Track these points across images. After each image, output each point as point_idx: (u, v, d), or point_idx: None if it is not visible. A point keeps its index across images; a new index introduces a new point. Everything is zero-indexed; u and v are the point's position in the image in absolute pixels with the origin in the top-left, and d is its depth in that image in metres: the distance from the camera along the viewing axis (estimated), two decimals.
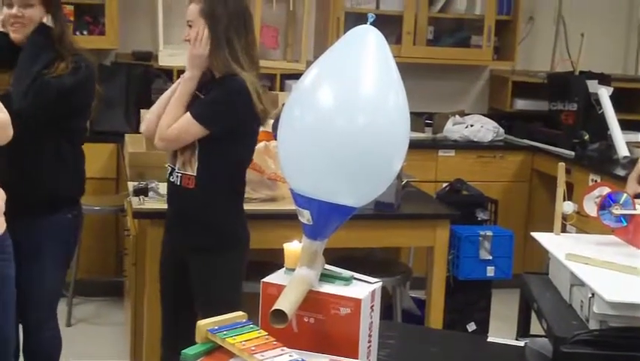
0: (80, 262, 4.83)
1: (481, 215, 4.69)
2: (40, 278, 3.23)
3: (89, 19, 5.50)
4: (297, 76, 5.50)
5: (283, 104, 2.08)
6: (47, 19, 3.14)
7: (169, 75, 5.45)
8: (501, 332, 3.10)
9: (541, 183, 5.93)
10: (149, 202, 3.65)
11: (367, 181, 1.97)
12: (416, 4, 5.98)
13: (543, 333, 2.51)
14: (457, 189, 4.84)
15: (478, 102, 6.61)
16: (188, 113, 3.10)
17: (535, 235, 2.89)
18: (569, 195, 2.94)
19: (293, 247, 2.07)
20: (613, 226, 2.76)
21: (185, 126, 3.09)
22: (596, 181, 4.93)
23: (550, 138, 5.92)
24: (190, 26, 3.12)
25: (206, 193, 3.13)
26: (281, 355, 1.80)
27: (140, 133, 3.62)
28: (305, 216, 1.97)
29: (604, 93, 5.63)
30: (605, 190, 2.77)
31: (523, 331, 2.88)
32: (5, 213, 2.86)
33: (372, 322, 1.99)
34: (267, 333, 1.88)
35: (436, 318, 4.05)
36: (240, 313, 1.97)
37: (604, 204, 2.73)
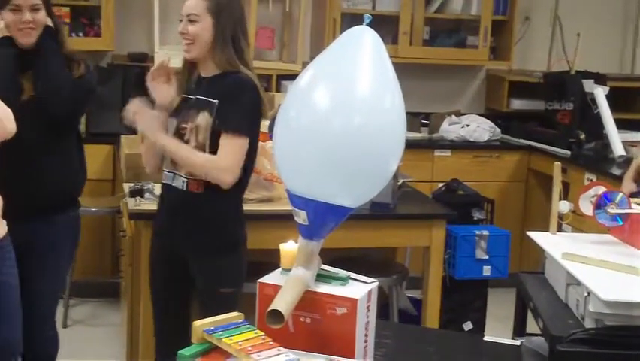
0: (76, 264, 4.81)
1: (478, 215, 4.70)
2: (50, 277, 3.27)
3: (84, 20, 5.50)
4: (293, 77, 5.48)
5: (279, 105, 2.08)
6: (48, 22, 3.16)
7: None
8: (497, 332, 3.11)
9: (537, 183, 5.93)
10: (145, 203, 3.65)
11: (363, 181, 1.97)
12: (412, 4, 5.98)
13: (539, 332, 2.51)
14: (454, 188, 4.84)
15: (475, 102, 6.61)
16: (226, 135, 3.04)
17: (532, 234, 2.90)
18: (565, 195, 2.94)
19: (289, 248, 2.08)
20: (609, 225, 2.77)
21: (235, 147, 3.06)
22: (591, 180, 4.94)
23: (546, 137, 5.92)
24: (191, 21, 3.06)
25: (214, 197, 3.10)
26: (277, 355, 1.81)
27: (136, 134, 3.61)
28: (301, 217, 1.97)
29: (600, 93, 5.64)
30: (601, 189, 2.77)
31: (519, 330, 2.89)
32: (4, 217, 2.88)
33: (368, 321, 2.00)
34: (263, 333, 1.89)
35: (432, 318, 4.05)
36: (237, 313, 1.98)
37: (600, 204, 2.74)
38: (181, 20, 3.11)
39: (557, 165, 2.94)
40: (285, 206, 2.16)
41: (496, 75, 6.44)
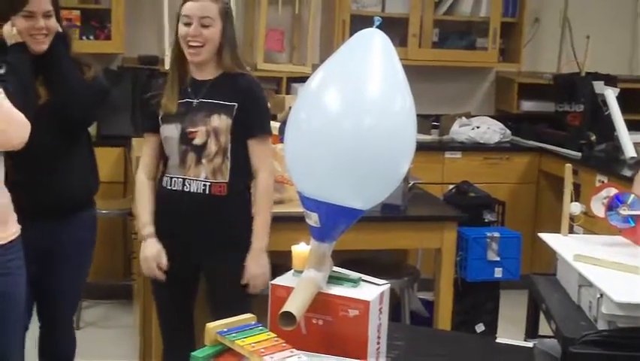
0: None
1: (489, 217, 4.69)
2: (74, 277, 3.31)
3: (95, 23, 5.51)
4: (303, 79, 5.50)
5: (290, 108, 2.08)
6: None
7: None
8: (509, 333, 3.11)
9: (548, 185, 5.92)
10: None
11: (374, 184, 1.97)
12: (422, 6, 5.98)
13: (552, 334, 2.51)
14: (464, 190, 4.83)
15: (485, 104, 6.61)
16: (260, 140, 3.15)
17: (543, 236, 2.89)
18: (576, 196, 2.94)
19: (301, 250, 2.08)
20: (620, 227, 2.76)
21: (269, 149, 3.22)
22: (603, 182, 4.93)
23: (556, 139, 5.91)
24: (203, 25, 3.04)
25: (236, 198, 3.13)
26: (290, 356, 1.81)
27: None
28: (312, 219, 1.98)
29: (610, 94, 5.63)
30: (613, 191, 2.77)
31: (531, 332, 2.89)
32: (22, 220, 2.91)
33: (380, 323, 2.00)
34: (276, 335, 1.89)
35: (444, 319, 4.05)
36: (249, 315, 1.98)
37: (611, 205, 2.74)
38: (187, 23, 3.06)
39: (568, 166, 2.94)
40: (296, 208, 2.16)
41: (506, 77, 6.43)
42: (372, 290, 2.00)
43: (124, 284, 5.14)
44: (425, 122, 5.90)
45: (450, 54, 6.17)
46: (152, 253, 3.14)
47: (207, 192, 3.09)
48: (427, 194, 4.43)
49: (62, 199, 3.15)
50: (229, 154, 3.10)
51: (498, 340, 2.53)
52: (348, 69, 1.96)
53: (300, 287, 1.94)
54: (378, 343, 1.99)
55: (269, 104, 3.36)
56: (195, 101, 3.12)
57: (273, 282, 2.03)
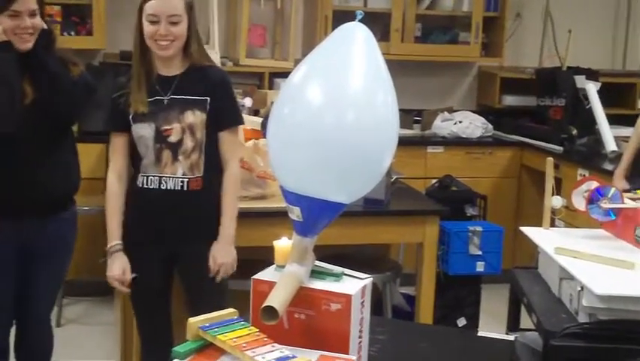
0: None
1: (471, 211, 4.70)
2: (55, 274, 3.31)
3: (76, 19, 5.48)
4: (285, 74, 5.48)
5: (272, 103, 2.08)
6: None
7: None
8: (491, 327, 3.12)
9: (529, 179, 5.95)
10: None
11: (357, 178, 1.97)
12: (404, 1, 5.99)
13: (533, 327, 2.51)
14: (446, 185, 4.85)
15: (467, 98, 6.63)
16: (231, 131, 3.18)
17: (525, 229, 2.90)
18: (558, 190, 2.95)
19: (283, 244, 2.08)
20: (601, 220, 2.77)
21: (238, 139, 3.27)
22: (584, 176, 4.95)
23: (538, 133, 5.94)
24: (172, 23, 3.02)
25: (211, 191, 3.14)
26: (272, 351, 1.81)
27: None
28: (295, 213, 1.98)
29: (592, 88, 5.66)
30: (594, 184, 2.78)
31: (513, 325, 2.89)
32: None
33: (362, 317, 2.00)
34: (258, 330, 1.89)
35: (426, 314, 4.06)
36: (231, 310, 1.98)
37: (592, 199, 2.74)
38: (154, 22, 3.04)
39: (550, 160, 2.94)
40: (278, 203, 2.17)
41: (488, 71, 6.45)
42: (354, 284, 2.00)
43: (104, 281, 5.09)
44: (407, 116, 5.91)
45: (432, 49, 6.18)
46: (117, 272, 3.18)
47: (185, 188, 3.10)
48: (410, 188, 4.44)
49: (43, 197, 3.14)
50: (204, 150, 3.09)
51: (480, 333, 2.54)
52: (331, 63, 1.96)
53: (282, 282, 1.94)
54: (360, 337, 1.99)
55: (252, 100, 3.37)
56: (166, 98, 3.11)
57: (254, 277, 2.03)
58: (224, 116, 3.13)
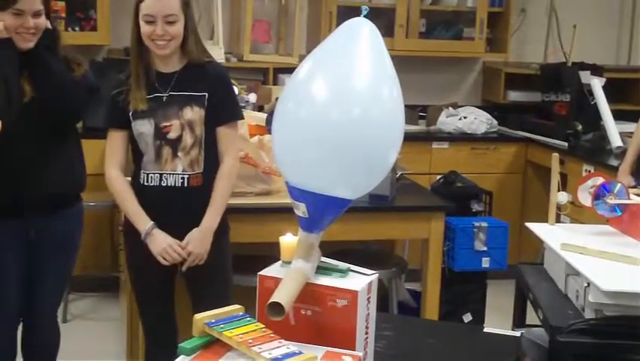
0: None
1: (476, 206, 4.70)
2: (60, 271, 3.30)
3: (80, 15, 5.49)
4: (289, 70, 5.49)
5: (277, 98, 2.08)
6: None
7: None
8: (497, 323, 3.11)
9: (535, 174, 5.94)
10: None
11: (362, 173, 1.97)
12: None
13: (539, 323, 2.51)
14: (452, 181, 4.84)
15: (472, 94, 6.62)
16: (229, 125, 3.16)
17: (530, 225, 2.90)
18: (563, 186, 2.94)
19: (288, 240, 2.08)
20: (607, 216, 2.77)
21: (237, 134, 3.23)
22: (589, 171, 4.95)
23: (543, 129, 5.93)
24: (168, 22, 3.01)
25: (211, 187, 3.14)
26: (278, 347, 1.81)
27: None
28: (300, 209, 1.97)
29: (596, 84, 5.65)
30: (599, 180, 2.77)
31: (519, 321, 2.89)
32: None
33: (368, 313, 2.00)
34: (264, 326, 1.89)
35: (431, 309, 4.06)
36: (237, 306, 1.98)
37: (598, 194, 2.74)
38: (151, 22, 3.02)
39: (555, 156, 2.94)
40: (284, 199, 2.16)
41: (493, 67, 6.44)
42: (360, 280, 1.99)
43: (111, 276, 5.13)
44: (412, 112, 5.91)
45: (437, 44, 6.18)
46: (169, 241, 3.11)
47: (185, 184, 3.10)
48: (415, 184, 4.44)
49: (46, 195, 3.14)
50: (203, 145, 3.10)
51: (485, 329, 2.54)
52: (336, 59, 1.95)
53: (288, 278, 1.94)
54: (366, 333, 1.99)
55: (256, 95, 3.37)
56: (165, 95, 3.10)
57: (261, 273, 2.03)
58: (222, 112, 3.13)
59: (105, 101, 3.22)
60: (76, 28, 5.44)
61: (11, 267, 3.12)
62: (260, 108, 4.71)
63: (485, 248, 4.44)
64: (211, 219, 3.13)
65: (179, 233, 3.13)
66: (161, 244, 3.09)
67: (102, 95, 3.28)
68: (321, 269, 2.03)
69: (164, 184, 3.11)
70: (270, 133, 2.45)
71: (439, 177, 5.04)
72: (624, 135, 5.47)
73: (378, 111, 1.91)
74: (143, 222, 3.11)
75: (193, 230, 3.11)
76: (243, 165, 3.44)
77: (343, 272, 2.03)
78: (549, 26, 6.50)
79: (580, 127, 5.69)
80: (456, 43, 6.24)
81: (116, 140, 3.19)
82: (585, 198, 2.80)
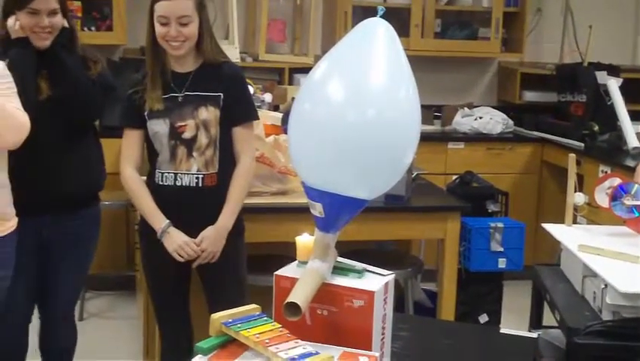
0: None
1: (492, 207, 4.69)
2: (76, 271, 3.32)
3: (96, 15, 5.51)
4: (304, 69, 5.50)
5: (292, 98, 2.08)
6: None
7: None
8: (513, 324, 3.11)
9: (550, 175, 5.92)
10: None
11: (379, 174, 1.97)
12: None
13: (556, 324, 2.51)
14: (467, 181, 4.83)
15: (487, 94, 6.60)
16: (245, 126, 3.17)
17: (547, 226, 2.89)
18: (579, 187, 2.94)
19: (305, 240, 2.08)
20: (625, 217, 2.76)
21: (253, 134, 3.23)
22: (606, 172, 4.92)
23: (559, 129, 5.90)
24: (182, 24, 3.01)
25: (226, 187, 3.13)
26: (295, 347, 1.81)
27: None
28: (317, 209, 1.97)
29: (613, 84, 5.62)
30: (617, 181, 2.77)
31: (535, 322, 2.89)
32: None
33: (385, 314, 1.99)
34: (280, 326, 1.89)
35: (447, 310, 4.05)
36: (254, 305, 1.98)
37: (615, 195, 2.73)
38: (165, 24, 3.02)
39: (572, 156, 2.93)
40: (300, 199, 2.16)
41: (509, 67, 6.42)
42: (376, 281, 1.99)
43: (127, 275, 5.15)
44: (428, 112, 5.90)
45: (452, 44, 6.17)
46: (184, 238, 3.11)
47: (200, 184, 3.10)
48: (431, 184, 4.43)
49: (62, 195, 3.14)
50: (218, 146, 3.10)
51: (502, 330, 2.53)
52: (352, 59, 1.95)
53: (304, 278, 1.94)
54: (382, 333, 1.99)
55: (271, 95, 3.37)
56: (180, 95, 3.11)
57: (277, 273, 2.03)
58: (237, 112, 3.14)
59: (121, 100, 3.22)
60: (92, 28, 5.46)
61: (25, 266, 3.12)
62: (275, 108, 4.71)
63: (501, 249, 4.42)
64: (226, 218, 3.13)
65: (193, 233, 3.12)
66: (176, 241, 3.09)
67: (118, 95, 3.28)
68: (338, 269, 2.03)
69: (179, 184, 3.11)
70: (286, 133, 2.45)
71: (454, 177, 5.03)
72: None
73: (395, 112, 1.91)
74: (158, 220, 3.11)
75: (208, 228, 3.11)
76: (258, 164, 3.45)
77: (359, 272, 2.03)
78: (565, 26, 6.48)
79: (596, 127, 5.66)
80: (471, 43, 6.22)
81: (131, 139, 3.20)
82: (602, 199, 2.79)
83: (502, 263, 4.44)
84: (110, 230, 5.12)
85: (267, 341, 1.81)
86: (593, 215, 3.16)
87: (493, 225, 4.44)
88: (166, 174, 3.13)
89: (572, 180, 2.87)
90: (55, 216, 3.15)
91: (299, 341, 1.84)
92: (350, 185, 1.94)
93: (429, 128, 5.90)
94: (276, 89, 5.02)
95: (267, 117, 4.02)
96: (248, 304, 2.01)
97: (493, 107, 6.22)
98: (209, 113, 3.08)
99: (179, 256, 3.09)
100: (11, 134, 2.76)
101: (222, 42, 5.24)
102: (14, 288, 3.04)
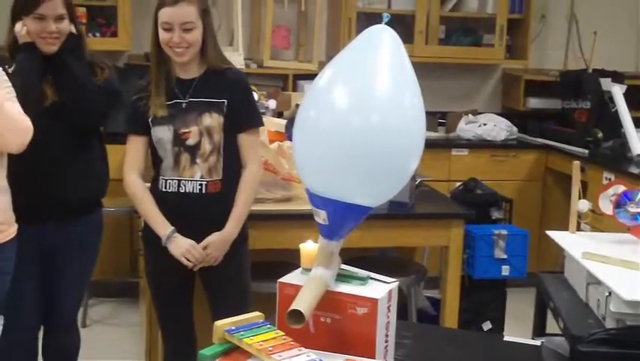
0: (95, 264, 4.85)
1: (496, 214, 4.68)
2: (78, 277, 3.31)
3: (101, 20, 5.51)
4: (309, 76, 5.50)
5: (297, 105, 2.08)
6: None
7: None
8: (517, 332, 3.10)
9: (554, 182, 5.91)
10: None
11: (383, 181, 1.97)
12: (428, 3, 5.96)
13: (559, 332, 2.50)
14: (471, 188, 4.83)
15: (491, 101, 6.59)
16: (250, 132, 3.15)
17: (551, 233, 2.89)
18: (583, 194, 2.94)
19: (309, 248, 2.08)
20: (629, 224, 2.75)
21: (258, 140, 3.22)
22: (610, 179, 4.92)
23: (563, 136, 5.90)
24: (187, 29, 3.01)
25: (230, 194, 3.12)
26: (298, 355, 1.81)
27: None
28: (321, 217, 1.97)
29: (617, 91, 5.61)
30: (621, 188, 2.76)
31: (539, 330, 2.88)
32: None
33: (388, 322, 1.99)
34: (284, 333, 1.89)
35: (451, 317, 4.04)
36: (257, 313, 1.98)
37: (619, 203, 2.73)
38: (168, 30, 3.02)
39: (576, 163, 2.93)
40: (304, 206, 2.16)
41: (513, 74, 6.42)
42: (380, 288, 1.99)
43: (130, 282, 5.14)
44: (432, 119, 5.89)
45: (456, 51, 6.16)
46: (190, 242, 3.10)
47: (203, 191, 3.09)
48: (434, 191, 4.43)
49: (64, 201, 3.14)
50: (222, 152, 3.09)
51: (505, 338, 2.52)
52: (357, 66, 1.96)
53: (308, 285, 1.94)
54: (386, 341, 1.99)
55: (276, 102, 3.36)
56: (184, 101, 3.10)
57: (281, 280, 2.03)
58: (242, 118, 3.13)
59: (125, 106, 3.22)
60: (97, 34, 5.46)
61: (30, 272, 3.12)
62: (279, 114, 4.71)
63: (505, 256, 4.42)
64: (233, 225, 3.13)
65: (196, 239, 3.11)
66: (183, 245, 3.09)
67: (123, 101, 3.28)
68: (341, 277, 2.03)
69: (182, 191, 3.10)
70: (290, 139, 2.46)
71: (458, 184, 5.03)
72: None
73: (400, 119, 1.91)
74: (163, 227, 3.11)
75: (213, 234, 3.11)
76: (262, 171, 3.44)
77: (363, 280, 2.03)
78: (569, 33, 6.47)
79: (600, 134, 5.66)
80: (475, 49, 6.22)
81: (135, 145, 3.20)
82: (606, 207, 2.79)
83: (505, 270, 4.43)
84: (114, 237, 5.12)
85: (270, 348, 1.81)
86: (597, 222, 3.16)
87: (496, 232, 4.43)
88: (169, 180, 3.13)
89: (576, 188, 2.87)
90: (58, 223, 3.15)
91: (302, 348, 1.84)
92: (354, 192, 1.94)
93: (433, 134, 5.89)
94: (281, 96, 5.02)
95: (271, 124, 4.02)
96: (251, 311, 2.01)
97: (497, 114, 6.22)
98: (212, 120, 3.08)
99: (187, 260, 3.09)
100: (15, 138, 2.76)
101: (227, 48, 5.25)
102: (23, 293, 3.04)
